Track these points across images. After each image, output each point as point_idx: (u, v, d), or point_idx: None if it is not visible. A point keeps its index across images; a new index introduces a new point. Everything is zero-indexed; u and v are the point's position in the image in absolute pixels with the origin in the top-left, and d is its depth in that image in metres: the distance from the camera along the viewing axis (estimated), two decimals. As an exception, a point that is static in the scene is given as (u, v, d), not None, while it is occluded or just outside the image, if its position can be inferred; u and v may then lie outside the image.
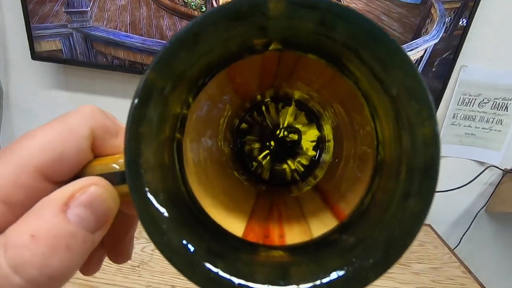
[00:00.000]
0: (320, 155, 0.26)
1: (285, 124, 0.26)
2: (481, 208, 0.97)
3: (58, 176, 0.11)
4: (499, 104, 0.86)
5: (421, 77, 0.11)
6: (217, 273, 0.11)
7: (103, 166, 0.13)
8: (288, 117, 0.26)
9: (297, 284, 0.12)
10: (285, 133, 0.26)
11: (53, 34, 0.73)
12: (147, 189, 0.11)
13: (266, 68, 0.19)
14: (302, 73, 0.19)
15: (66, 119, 0.12)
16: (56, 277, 0.09)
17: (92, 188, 0.11)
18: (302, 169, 0.26)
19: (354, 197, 0.16)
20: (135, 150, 0.11)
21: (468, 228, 0.99)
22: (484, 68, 0.82)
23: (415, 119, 0.11)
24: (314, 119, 0.25)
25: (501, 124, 0.87)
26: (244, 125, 0.26)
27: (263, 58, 0.16)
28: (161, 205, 0.12)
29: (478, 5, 0.70)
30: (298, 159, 0.26)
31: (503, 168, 0.92)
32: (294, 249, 0.14)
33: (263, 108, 0.26)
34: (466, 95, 0.85)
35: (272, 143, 0.26)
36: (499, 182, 0.94)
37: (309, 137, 0.26)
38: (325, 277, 0.12)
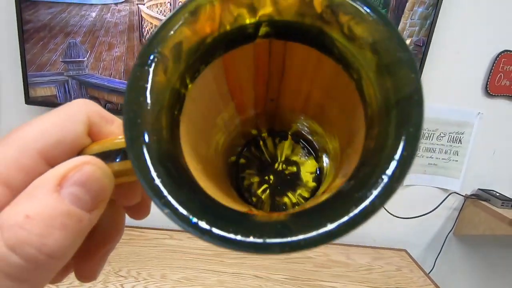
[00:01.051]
0: (319, 187, 0.25)
1: (283, 157, 0.26)
2: (450, 232, 1.06)
3: (57, 160, 0.11)
4: (453, 137, 0.98)
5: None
6: (212, 231, 0.11)
7: (99, 146, 0.13)
8: (285, 150, 0.26)
9: (299, 235, 0.11)
10: (284, 166, 0.25)
11: (49, 81, 0.78)
12: (145, 151, 0.11)
13: (259, 66, 0.19)
14: (294, 70, 0.20)
15: (63, 108, 0.13)
16: (55, 256, 0.09)
17: (85, 167, 0.11)
18: (303, 201, 0.25)
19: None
20: (136, 106, 0.12)
21: (440, 251, 1.07)
22: (437, 107, 0.95)
23: (392, 55, 0.12)
24: (312, 151, 0.25)
25: (457, 155, 0.99)
26: (242, 160, 0.26)
27: (255, 52, 0.17)
28: (159, 175, 0.11)
29: (426, 57, 0.83)
30: (299, 191, 0.25)
31: (463, 194, 1.02)
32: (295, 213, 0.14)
33: (261, 143, 0.26)
34: (425, 130, 0.97)
35: (271, 176, 0.25)
36: (462, 207, 1.03)
37: (308, 168, 0.25)
38: (328, 224, 0.12)
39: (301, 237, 0.11)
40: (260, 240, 0.11)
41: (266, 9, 0.14)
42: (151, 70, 0.13)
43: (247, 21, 0.14)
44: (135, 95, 0.12)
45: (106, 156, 0.13)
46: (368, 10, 0.13)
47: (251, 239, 0.11)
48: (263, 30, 0.14)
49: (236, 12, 0.14)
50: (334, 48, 0.14)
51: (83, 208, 0.10)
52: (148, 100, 0.12)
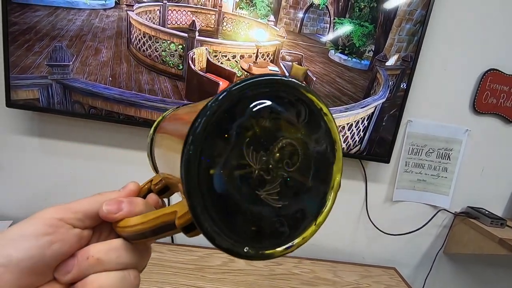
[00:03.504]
0: None
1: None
2: (439, 250, 1.04)
3: None
4: (442, 153, 0.97)
5: None
6: None
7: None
8: None
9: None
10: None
11: (32, 84, 0.76)
12: None
13: None
14: None
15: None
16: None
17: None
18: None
19: None
20: None
21: (430, 270, 1.04)
22: (425, 123, 0.95)
23: None
24: None
25: (446, 171, 0.98)
26: None
27: None
28: None
29: (414, 73, 0.84)
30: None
31: (453, 212, 1.01)
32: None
33: None
34: (414, 145, 0.96)
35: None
36: (451, 225, 1.02)
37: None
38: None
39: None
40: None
41: None
42: None
43: None
44: None
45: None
46: None
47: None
48: None
49: None
50: None
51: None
52: None
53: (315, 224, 0.22)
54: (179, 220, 0.20)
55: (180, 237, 0.85)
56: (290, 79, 0.21)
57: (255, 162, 0.20)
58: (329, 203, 0.22)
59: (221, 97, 0.19)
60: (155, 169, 0.30)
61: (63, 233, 0.20)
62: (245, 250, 0.19)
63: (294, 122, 0.21)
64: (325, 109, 0.22)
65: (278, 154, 0.20)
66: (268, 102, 0.20)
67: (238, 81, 0.19)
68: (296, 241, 0.21)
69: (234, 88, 0.19)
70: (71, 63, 0.76)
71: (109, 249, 0.21)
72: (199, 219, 0.18)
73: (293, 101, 0.21)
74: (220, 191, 0.19)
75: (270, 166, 0.20)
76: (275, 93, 0.20)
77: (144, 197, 0.26)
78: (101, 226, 0.23)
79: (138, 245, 0.22)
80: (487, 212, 0.97)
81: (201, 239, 0.19)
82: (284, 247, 0.21)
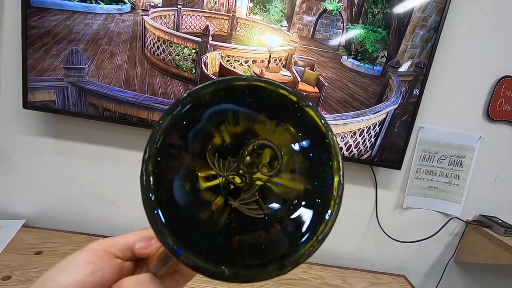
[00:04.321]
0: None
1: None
2: (450, 258, 1.02)
3: None
4: (454, 161, 0.96)
5: None
6: None
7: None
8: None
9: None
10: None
11: (48, 86, 0.77)
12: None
13: None
14: None
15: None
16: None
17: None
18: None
19: None
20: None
21: (440, 279, 1.03)
22: (438, 129, 0.94)
23: None
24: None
25: (458, 178, 0.97)
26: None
27: None
28: None
29: (427, 79, 0.83)
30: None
31: (465, 220, 0.99)
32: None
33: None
34: (426, 152, 0.95)
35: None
36: (463, 233, 1.00)
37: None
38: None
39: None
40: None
41: None
42: None
43: None
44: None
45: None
46: None
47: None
48: None
49: None
50: None
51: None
52: None
53: (316, 238, 0.17)
54: None
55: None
56: (244, 77, 0.19)
57: (222, 170, 0.18)
58: (331, 211, 0.18)
59: (169, 109, 0.17)
60: None
61: (105, 262, 0.22)
62: (221, 270, 0.16)
63: (266, 122, 0.19)
64: (301, 102, 0.19)
65: (248, 158, 0.18)
66: (227, 105, 0.18)
67: (189, 90, 0.18)
68: (290, 259, 0.17)
69: (183, 98, 0.17)
70: (86, 66, 0.77)
71: (136, 282, 0.22)
72: (158, 233, 0.16)
73: (258, 100, 0.18)
74: (184, 204, 0.17)
75: (241, 171, 0.18)
76: (236, 95, 0.18)
77: None
78: (143, 260, 0.24)
79: (166, 280, 0.23)
80: (500, 221, 0.95)
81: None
82: (274, 267, 0.17)
